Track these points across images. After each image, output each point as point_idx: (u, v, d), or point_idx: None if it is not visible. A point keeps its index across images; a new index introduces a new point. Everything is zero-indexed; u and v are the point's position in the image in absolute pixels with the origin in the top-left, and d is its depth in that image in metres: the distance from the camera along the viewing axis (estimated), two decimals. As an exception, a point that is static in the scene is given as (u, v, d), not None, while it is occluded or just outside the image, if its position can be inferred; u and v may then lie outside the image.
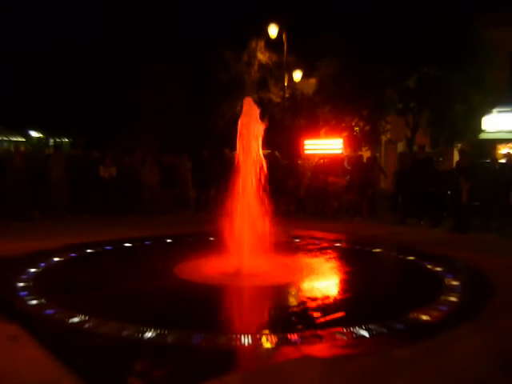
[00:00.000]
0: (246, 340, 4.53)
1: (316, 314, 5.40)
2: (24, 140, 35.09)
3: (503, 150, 21.45)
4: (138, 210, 14.66)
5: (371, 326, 4.88)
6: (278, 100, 28.51)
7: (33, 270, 7.26)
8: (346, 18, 25.58)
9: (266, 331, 4.80)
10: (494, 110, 20.48)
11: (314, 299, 6.01)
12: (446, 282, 6.94)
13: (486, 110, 19.66)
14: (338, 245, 10.22)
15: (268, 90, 29.65)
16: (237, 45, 28.41)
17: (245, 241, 7.72)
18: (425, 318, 5.29)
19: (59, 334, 4.73)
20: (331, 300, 6.09)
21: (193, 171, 15.86)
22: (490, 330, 4.95)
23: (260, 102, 29.87)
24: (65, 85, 35.23)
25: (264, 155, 7.77)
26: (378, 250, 9.83)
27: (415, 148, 18.40)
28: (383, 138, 24.11)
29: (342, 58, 21.14)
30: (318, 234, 11.24)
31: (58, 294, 6.14)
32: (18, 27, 35.02)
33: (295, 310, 5.72)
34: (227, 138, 28.70)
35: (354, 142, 21.27)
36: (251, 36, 28.57)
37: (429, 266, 8.03)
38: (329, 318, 5.28)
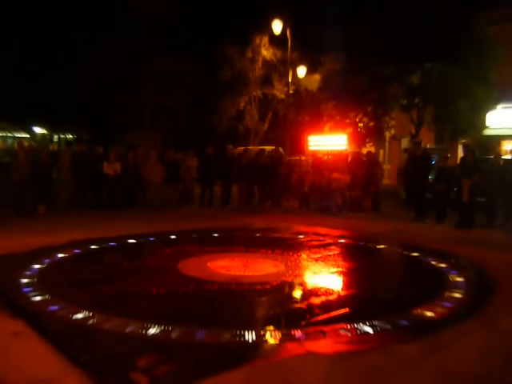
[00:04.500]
0: (250, 336, 4.53)
1: (320, 310, 5.39)
2: (28, 136, 35.17)
3: (507, 145, 21.42)
4: (142, 206, 14.70)
5: (375, 323, 4.88)
6: (282, 96, 28.49)
7: (37, 266, 7.27)
8: (350, 14, 25.52)
9: (270, 327, 4.80)
10: (499, 106, 20.43)
11: (318, 295, 6.01)
12: (450, 278, 6.93)
13: (490, 105, 19.63)
14: (342, 241, 10.21)
15: (272, 86, 29.65)
16: (241, 41, 28.39)
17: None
18: (429, 314, 5.28)
19: (63, 330, 4.73)
20: (335, 296, 6.08)
21: (198, 167, 15.89)
22: (493, 326, 4.95)
23: (264, 99, 29.95)
24: (69, 81, 35.27)
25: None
26: (382, 247, 9.84)
27: (411, 145, 18.43)
28: (387, 134, 24.12)
29: (346, 53, 21.14)
30: (322, 231, 11.23)
31: (62, 290, 6.14)
32: (23, 23, 35.04)
33: (299, 306, 5.72)
34: (231, 134, 28.86)
35: (358, 138, 21.27)
36: (255, 32, 28.55)
37: (433, 263, 8.02)
38: (333, 314, 5.28)
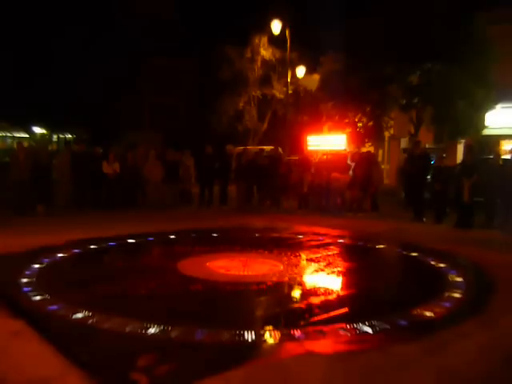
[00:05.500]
0: (250, 336, 4.53)
1: (319, 310, 5.39)
2: (27, 136, 35.16)
3: (506, 145, 21.41)
4: (141, 206, 14.70)
5: (374, 322, 4.88)
6: (282, 96, 28.51)
7: (36, 265, 7.27)
8: (350, 14, 25.51)
9: (270, 327, 4.80)
10: (498, 106, 20.42)
11: (318, 295, 6.00)
12: (450, 278, 6.93)
13: (490, 105, 19.62)
14: (341, 241, 10.21)
15: (271, 86, 29.67)
16: (240, 41, 28.42)
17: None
18: (428, 314, 5.28)
19: (63, 330, 4.73)
20: (334, 296, 6.08)
21: (196, 167, 15.89)
22: (492, 326, 4.95)
23: (263, 99, 29.97)
24: (69, 81, 35.23)
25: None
26: (381, 246, 9.84)
27: (410, 144, 18.45)
28: (386, 134, 24.11)
29: (345, 53, 21.13)
30: (321, 230, 11.23)
31: (62, 289, 6.14)
32: (21, 23, 35.01)
33: (298, 306, 5.72)
34: (230, 133, 28.88)
35: (357, 138, 21.27)
36: (254, 32, 28.56)
37: (432, 263, 8.02)
38: (332, 314, 5.28)
